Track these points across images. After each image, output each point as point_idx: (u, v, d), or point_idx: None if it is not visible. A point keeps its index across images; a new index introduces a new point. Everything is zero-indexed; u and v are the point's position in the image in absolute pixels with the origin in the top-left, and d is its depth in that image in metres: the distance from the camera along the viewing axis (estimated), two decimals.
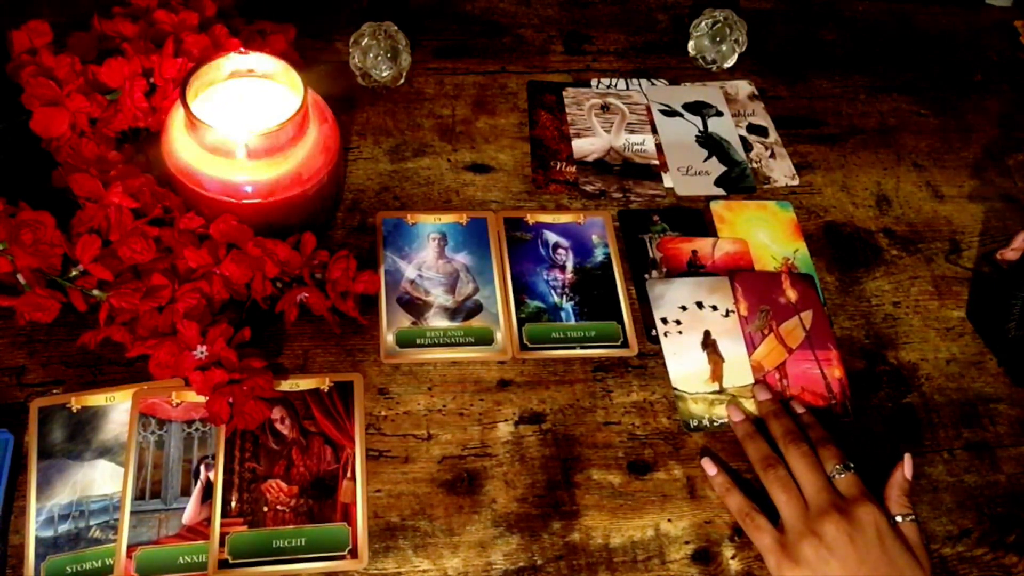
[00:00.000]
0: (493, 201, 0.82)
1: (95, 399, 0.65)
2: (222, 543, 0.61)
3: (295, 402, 0.67)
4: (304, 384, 0.68)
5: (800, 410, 0.70)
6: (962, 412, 0.74)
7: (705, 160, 0.87)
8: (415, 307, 0.73)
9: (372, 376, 0.70)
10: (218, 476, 0.63)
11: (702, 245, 0.81)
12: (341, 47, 0.89)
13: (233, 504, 0.62)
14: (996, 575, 0.67)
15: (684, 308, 0.76)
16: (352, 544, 0.62)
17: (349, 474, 0.65)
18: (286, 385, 0.68)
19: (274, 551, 0.61)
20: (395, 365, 0.71)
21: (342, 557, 0.62)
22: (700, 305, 0.76)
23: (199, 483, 0.63)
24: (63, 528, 0.60)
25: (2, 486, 0.61)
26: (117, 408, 0.65)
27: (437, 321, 0.73)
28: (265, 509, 0.63)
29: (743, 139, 0.90)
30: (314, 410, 0.67)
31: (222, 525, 0.61)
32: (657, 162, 0.87)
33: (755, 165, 0.88)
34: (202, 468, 0.63)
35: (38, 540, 0.60)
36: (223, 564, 0.60)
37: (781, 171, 0.88)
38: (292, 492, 0.64)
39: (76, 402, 0.65)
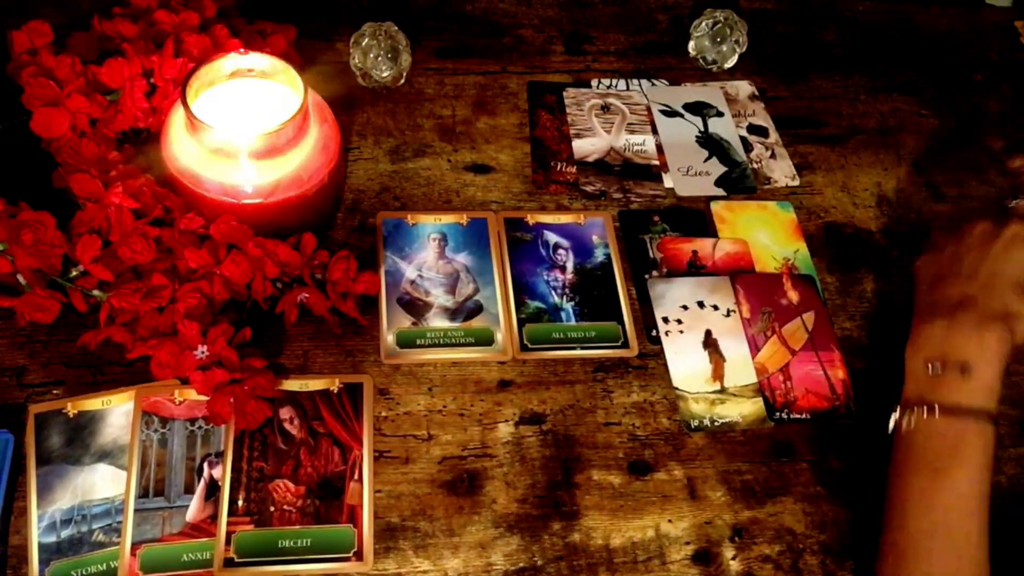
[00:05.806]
0: (493, 201, 0.82)
1: (92, 403, 0.65)
2: (228, 542, 0.61)
3: (304, 402, 0.67)
4: (314, 385, 0.68)
5: None
6: None
7: (705, 160, 0.87)
8: (415, 307, 0.73)
9: (372, 376, 0.70)
10: (225, 475, 0.63)
11: (702, 245, 0.81)
12: (341, 47, 0.89)
13: (240, 503, 0.62)
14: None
15: (685, 307, 0.76)
16: (358, 546, 0.62)
17: (356, 476, 0.65)
18: (296, 385, 0.68)
19: (280, 551, 0.61)
20: (395, 365, 0.71)
21: (347, 559, 0.62)
22: (701, 304, 0.76)
23: (203, 480, 0.63)
24: (65, 533, 0.60)
25: (2, 487, 0.61)
26: (115, 411, 0.65)
27: (437, 321, 0.73)
28: (272, 509, 0.63)
29: (743, 139, 0.90)
30: (323, 411, 0.67)
31: (228, 523, 0.61)
32: (657, 162, 0.87)
33: (755, 165, 0.88)
34: (205, 466, 0.63)
35: (41, 546, 0.60)
36: (228, 563, 0.60)
37: (781, 171, 0.88)
38: (299, 492, 0.64)
39: (72, 407, 0.64)
